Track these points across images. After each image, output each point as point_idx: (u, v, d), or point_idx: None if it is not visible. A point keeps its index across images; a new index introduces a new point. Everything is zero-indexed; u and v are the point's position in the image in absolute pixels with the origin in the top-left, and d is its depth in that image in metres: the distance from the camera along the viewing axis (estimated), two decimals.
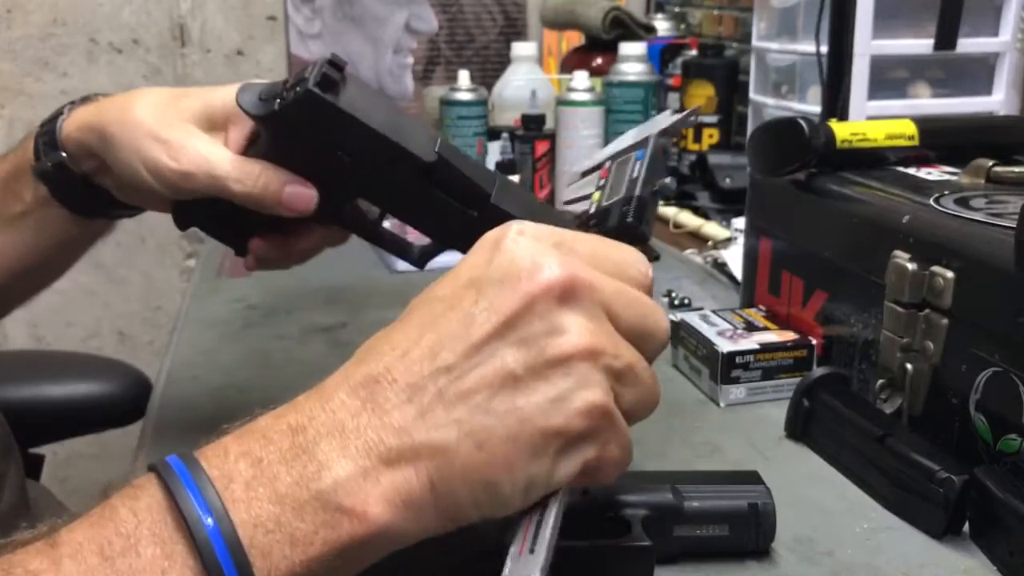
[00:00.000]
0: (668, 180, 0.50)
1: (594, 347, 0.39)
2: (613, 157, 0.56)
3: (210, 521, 0.36)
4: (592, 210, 0.50)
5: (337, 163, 0.57)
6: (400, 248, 0.66)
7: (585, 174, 0.58)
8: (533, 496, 0.39)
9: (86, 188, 0.65)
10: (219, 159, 0.58)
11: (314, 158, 0.58)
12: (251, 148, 0.60)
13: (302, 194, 0.59)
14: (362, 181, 0.59)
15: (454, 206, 0.58)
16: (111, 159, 0.61)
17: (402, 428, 0.38)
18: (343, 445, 0.38)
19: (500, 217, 0.58)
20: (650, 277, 0.44)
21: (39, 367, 1.28)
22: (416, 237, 0.63)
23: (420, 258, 0.65)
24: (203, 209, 0.62)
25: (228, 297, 1.05)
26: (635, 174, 0.50)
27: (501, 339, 0.39)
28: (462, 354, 0.39)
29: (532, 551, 0.38)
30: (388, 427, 0.38)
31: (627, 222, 0.47)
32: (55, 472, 1.73)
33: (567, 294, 0.39)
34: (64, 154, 0.64)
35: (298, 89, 0.54)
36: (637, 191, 0.49)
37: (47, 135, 0.64)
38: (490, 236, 0.42)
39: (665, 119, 0.58)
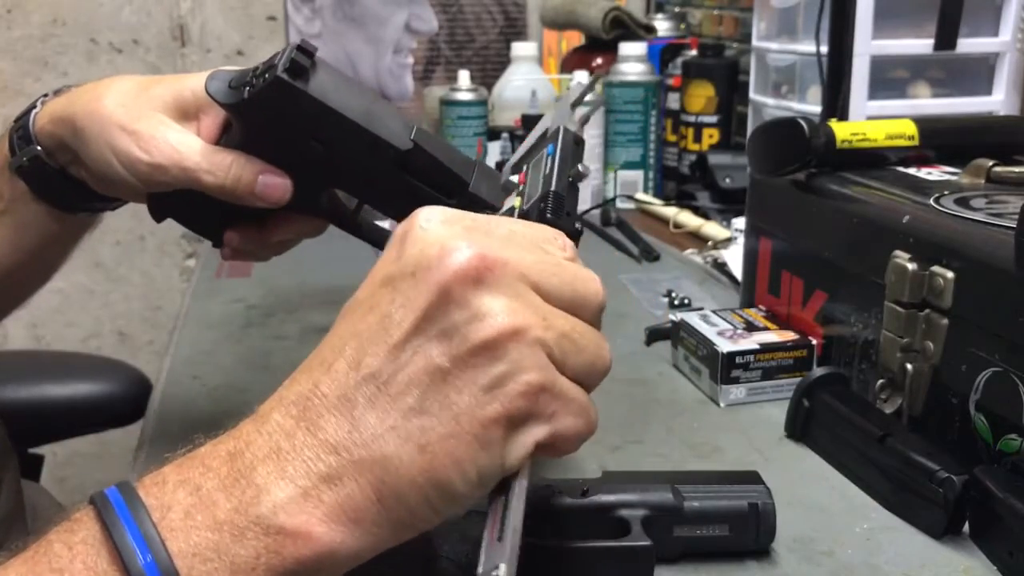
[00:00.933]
0: (582, 167, 0.49)
1: (518, 325, 0.37)
2: (527, 157, 0.55)
3: (149, 557, 0.35)
4: (515, 216, 0.50)
5: (310, 152, 0.56)
6: (379, 238, 0.64)
7: (515, 170, 0.58)
8: (489, 485, 0.38)
9: (64, 181, 0.64)
10: (190, 150, 0.57)
11: (287, 147, 0.57)
12: (224, 137, 0.59)
13: (276, 184, 0.58)
14: (336, 170, 0.58)
15: (431, 195, 0.57)
16: (83, 151, 0.60)
17: (338, 444, 0.37)
18: (281, 468, 0.36)
19: (478, 205, 0.57)
20: (571, 248, 0.42)
21: (39, 367, 1.28)
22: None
23: None
24: (178, 200, 0.61)
25: (228, 297, 1.05)
26: (548, 170, 0.49)
27: (422, 334, 0.37)
28: (385, 357, 0.37)
29: (500, 539, 0.37)
30: (324, 444, 0.37)
31: (547, 219, 0.47)
32: (55, 472, 1.73)
33: (481, 275, 0.37)
34: (39, 148, 0.62)
35: (267, 76, 0.53)
36: (552, 186, 0.48)
37: (21, 130, 0.63)
38: (399, 229, 0.40)
39: (568, 98, 0.57)
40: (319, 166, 0.57)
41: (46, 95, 0.64)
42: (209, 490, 0.36)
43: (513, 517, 0.38)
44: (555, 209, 0.47)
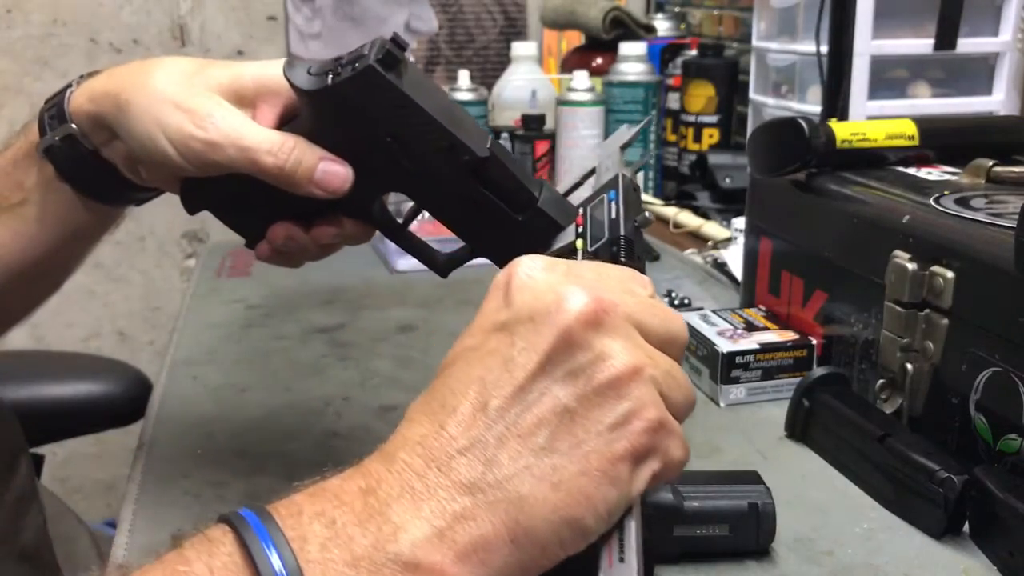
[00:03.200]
0: (648, 214, 0.50)
1: (637, 364, 0.39)
2: (585, 203, 0.55)
3: None
4: (580, 258, 0.50)
5: (382, 149, 0.54)
6: (424, 252, 0.62)
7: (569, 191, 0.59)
8: (615, 518, 0.39)
9: (94, 164, 0.61)
10: (249, 129, 0.55)
11: (358, 141, 0.55)
12: (284, 128, 0.56)
13: (337, 172, 0.55)
14: (405, 171, 0.55)
15: (500, 207, 0.55)
16: (125, 128, 0.57)
17: (472, 484, 0.37)
18: (416, 506, 0.37)
19: (544, 223, 0.56)
20: (650, 286, 0.44)
21: (39, 367, 1.28)
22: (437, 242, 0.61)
23: (445, 265, 0.61)
24: (217, 190, 0.58)
25: (228, 297, 1.05)
26: (613, 215, 0.50)
27: (547, 376, 0.39)
28: (510, 398, 0.39)
29: (622, 560, 0.38)
30: (457, 485, 0.37)
31: (620, 261, 0.47)
32: (55, 472, 1.73)
33: (599, 319, 0.39)
34: (73, 126, 0.60)
35: (357, 65, 0.51)
36: (621, 231, 0.48)
37: (54, 108, 0.61)
38: (500, 279, 0.42)
39: (618, 140, 0.58)
40: (387, 165, 0.55)
41: (82, 76, 0.62)
42: (344, 524, 0.37)
43: (631, 540, 0.39)
44: (627, 253, 0.47)
